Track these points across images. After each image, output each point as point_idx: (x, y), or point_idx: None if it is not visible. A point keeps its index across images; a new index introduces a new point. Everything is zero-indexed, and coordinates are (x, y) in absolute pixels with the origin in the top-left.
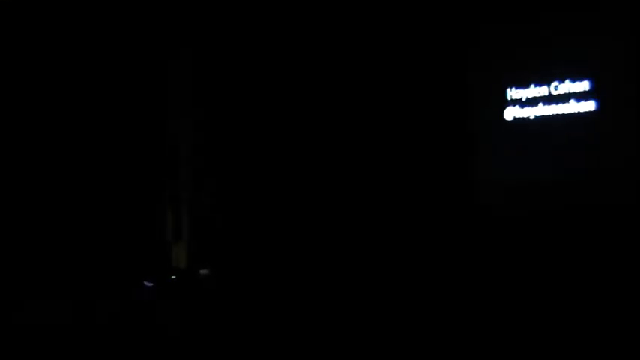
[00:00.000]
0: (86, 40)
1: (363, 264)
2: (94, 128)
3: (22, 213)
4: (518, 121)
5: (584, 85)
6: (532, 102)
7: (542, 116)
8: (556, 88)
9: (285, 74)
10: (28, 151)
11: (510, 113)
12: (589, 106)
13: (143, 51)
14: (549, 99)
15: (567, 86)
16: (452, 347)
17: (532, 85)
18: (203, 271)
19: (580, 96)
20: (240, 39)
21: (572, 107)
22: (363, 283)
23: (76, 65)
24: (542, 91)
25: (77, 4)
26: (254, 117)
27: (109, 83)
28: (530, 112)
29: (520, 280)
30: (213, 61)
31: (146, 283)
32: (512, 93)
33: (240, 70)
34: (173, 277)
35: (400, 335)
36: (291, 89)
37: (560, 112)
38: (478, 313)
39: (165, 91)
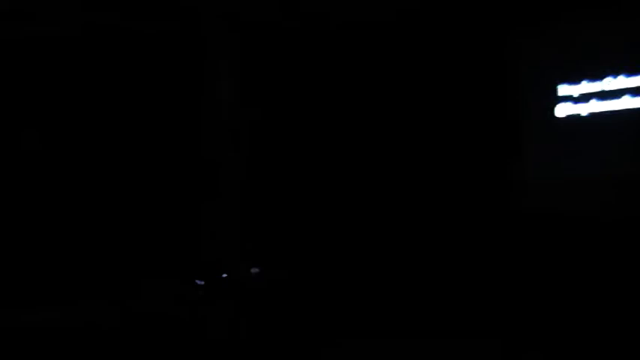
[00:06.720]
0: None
1: (404, 264)
2: (143, 134)
3: (67, 212)
4: (570, 119)
5: (639, 80)
6: (585, 98)
7: (596, 113)
8: (609, 83)
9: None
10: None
11: (562, 110)
12: None
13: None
14: (603, 95)
15: (621, 81)
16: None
17: (584, 81)
18: (254, 270)
19: (635, 91)
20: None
21: (627, 103)
22: (405, 284)
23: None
24: (595, 87)
25: None
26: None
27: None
28: (583, 109)
29: (569, 289)
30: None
31: (197, 281)
32: (564, 89)
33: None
34: (224, 275)
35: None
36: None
37: (614, 109)
38: (519, 319)
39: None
